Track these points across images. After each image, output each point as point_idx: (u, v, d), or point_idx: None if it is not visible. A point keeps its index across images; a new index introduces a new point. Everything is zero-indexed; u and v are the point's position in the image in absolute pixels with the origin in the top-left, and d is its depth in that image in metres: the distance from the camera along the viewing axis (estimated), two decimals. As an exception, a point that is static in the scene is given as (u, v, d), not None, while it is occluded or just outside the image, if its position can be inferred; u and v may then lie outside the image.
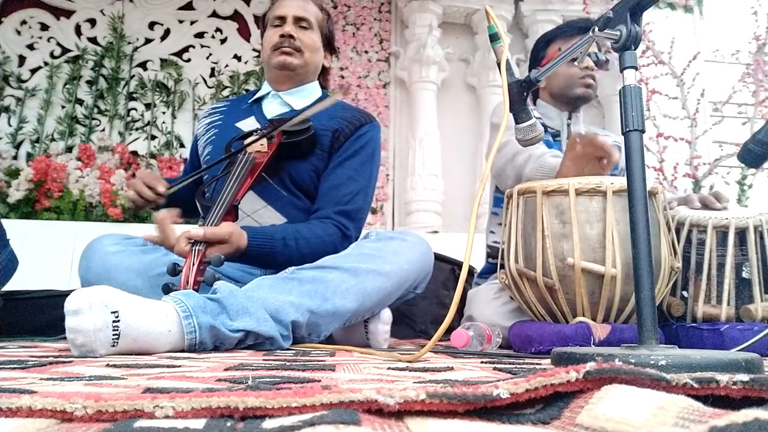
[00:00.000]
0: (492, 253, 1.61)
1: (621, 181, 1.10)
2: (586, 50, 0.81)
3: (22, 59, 3.36)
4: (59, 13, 3.46)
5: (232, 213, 1.24)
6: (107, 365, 0.67)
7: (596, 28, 0.74)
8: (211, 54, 3.54)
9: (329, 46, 1.59)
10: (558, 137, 1.54)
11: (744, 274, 1.18)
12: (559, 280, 1.11)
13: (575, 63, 1.48)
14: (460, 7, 3.62)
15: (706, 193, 1.35)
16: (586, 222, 1.11)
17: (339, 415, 0.31)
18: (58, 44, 3.42)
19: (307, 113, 1.35)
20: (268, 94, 1.53)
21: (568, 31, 1.55)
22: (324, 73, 1.60)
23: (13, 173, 2.91)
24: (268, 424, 0.31)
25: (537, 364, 0.81)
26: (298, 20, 1.49)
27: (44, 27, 3.42)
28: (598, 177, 1.13)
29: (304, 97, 1.52)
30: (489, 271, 1.60)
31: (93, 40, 3.46)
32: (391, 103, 3.57)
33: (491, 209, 1.63)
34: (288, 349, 1.05)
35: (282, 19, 1.49)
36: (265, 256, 1.23)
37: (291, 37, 1.46)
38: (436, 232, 3.15)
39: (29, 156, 3.16)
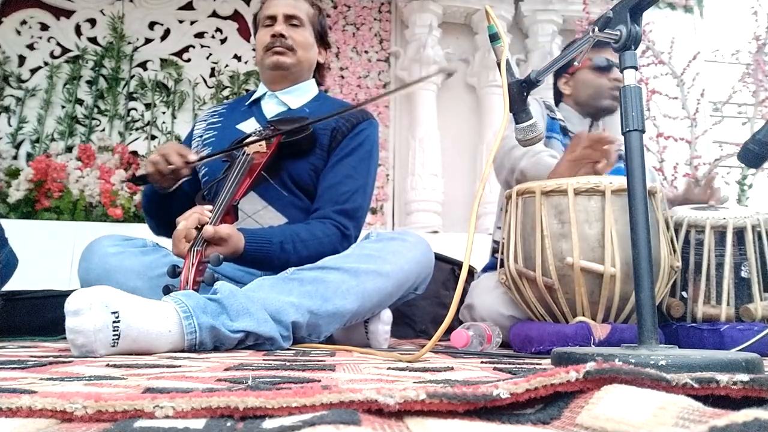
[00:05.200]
0: (498, 248, 1.60)
1: (619, 181, 1.10)
2: (586, 50, 0.81)
3: (22, 59, 3.36)
4: (59, 13, 3.45)
5: (231, 213, 1.24)
6: (107, 365, 0.67)
7: (596, 28, 0.74)
8: (211, 54, 3.54)
9: (322, 41, 1.57)
10: None
11: (743, 274, 1.18)
12: (558, 279, 1.11)
13: (604, 72, 1.51)
14: (460, 7, 3.62)
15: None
16: (585, 221, 1.11)
17: (339, 415, 0.31)
18: (58, 44, 3.41)
19: (317, 120, 1.33)
20: (264, 94, 1.53)
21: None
22: (319, 69, 1.59)
23: (13, 173, 2.91)
24: (268, 424, 0.31)
25: (537, 364, 0.81)
26: (289, 18, 1.48)
27: (44, 27, 3.42)
28: (597, 177, 1.13)
29: (300, 95, 1.52)
30: (492, 267, 1.60)
31: (93, 40, 3.46)
32: (391, 103, 3.57)
33: (500, 204, 1.63)
34: (288, 349, 1.04)
35: (273, 19, 1.48)
36: (261, 259, 1.22)
37: (282, 36, 1.45)
38: (436, 232, 3.15)
39: (29, 156, 3.16)
